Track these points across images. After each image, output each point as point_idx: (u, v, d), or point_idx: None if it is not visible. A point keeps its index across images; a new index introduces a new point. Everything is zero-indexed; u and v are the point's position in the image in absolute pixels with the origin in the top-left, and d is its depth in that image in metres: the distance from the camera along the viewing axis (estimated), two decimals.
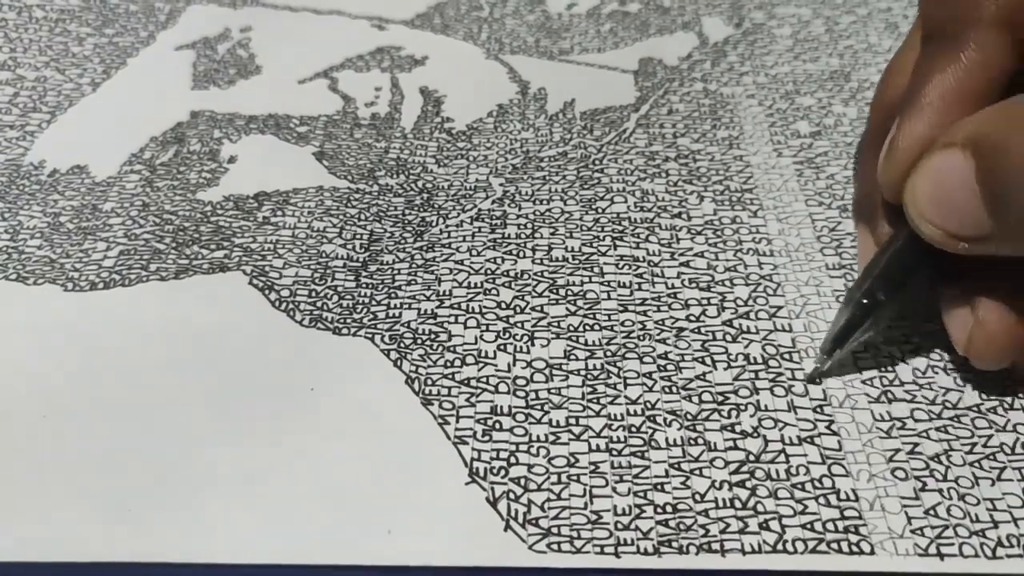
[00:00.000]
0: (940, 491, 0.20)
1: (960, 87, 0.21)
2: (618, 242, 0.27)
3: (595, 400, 0.22)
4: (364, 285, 0.26)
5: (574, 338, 0.24)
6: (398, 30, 0.38)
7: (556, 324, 0.24)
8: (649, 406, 0.22)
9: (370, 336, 0.24)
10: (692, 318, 0.25)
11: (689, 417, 0.22)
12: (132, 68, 0.35)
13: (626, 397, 0.23)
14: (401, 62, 0.36)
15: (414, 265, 0.26)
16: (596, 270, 0.26)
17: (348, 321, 0.25)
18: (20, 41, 0.36)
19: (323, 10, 0.39)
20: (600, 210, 0.28)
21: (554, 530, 0.20)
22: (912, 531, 0.20)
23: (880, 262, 0.23)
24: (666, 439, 0.22)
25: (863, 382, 0.23)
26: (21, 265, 0.26)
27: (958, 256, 0.21)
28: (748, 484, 0.21)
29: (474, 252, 0.27)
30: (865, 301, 0.22)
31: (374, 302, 0.25)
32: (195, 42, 0.37)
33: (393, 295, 0.25)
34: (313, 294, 0.25)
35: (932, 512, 0.20)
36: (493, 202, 0.29)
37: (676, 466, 0.21)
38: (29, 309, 0.25)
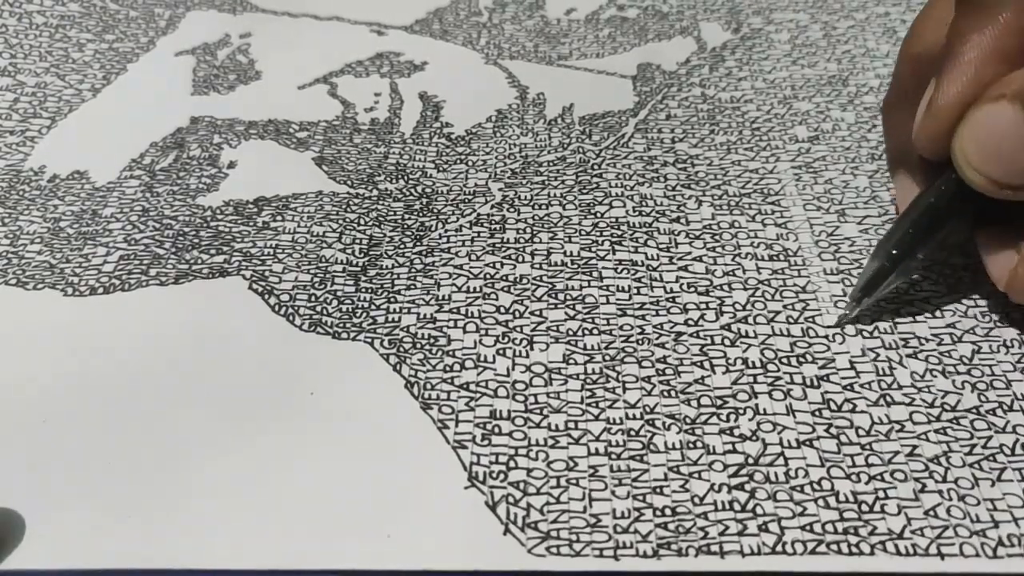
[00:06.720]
0: (940, 492, 0.20)
1: (997, 46, 0.22)
2: (617, 247, 0.27)
3: (594, 404, 0.22)
4: (363, 290, 0.26)
5: (573, 342, 0.24)
6: (397, 36, 0.38)
7: (555, 328, 0.25)
8: (648, 410, 0.22)
9: (369, 340, 0.24)
10: (690, 322, 0.25)
11: (688, 421, 0.22)
12: (132, 74, 0.36)
13: (625, 401, 0.23)
14: (400, 67, 0.36)
15: (413, 270, 0.26)
16: (595, 274, 0.26)
17: (348, 325, 0.25)
18: (20, 47, 0.37)
19: (322, 16, 0.39)
20: (599, 214, 0.28)
21: (553, 533, 0.20)
22: (912, 531, 0.20)
23: (912, 214, 0.24)
24: (665, 443, 0.22)
25: (861, 386, 0.23)
26: (21, 270, 0.26)
27: (997, 201, 0.22)
28: (747, 487, 0.21)
29: (473, 257, 0.27)
30: (895, 252, 0.23)
31: (373, 306, 0.25)
32: (195, 48, 0.37)
33: (392, 299, 0.25)
34: (313, 298, 0.26)
35: (932, 513, 0.20)
36: (492, 207, 0.29)
37: (675, 469, 0.21)
38: (29, 314, 0.25)
